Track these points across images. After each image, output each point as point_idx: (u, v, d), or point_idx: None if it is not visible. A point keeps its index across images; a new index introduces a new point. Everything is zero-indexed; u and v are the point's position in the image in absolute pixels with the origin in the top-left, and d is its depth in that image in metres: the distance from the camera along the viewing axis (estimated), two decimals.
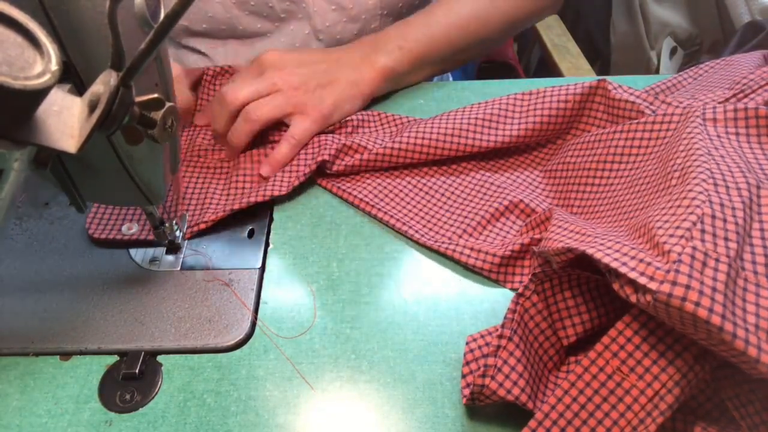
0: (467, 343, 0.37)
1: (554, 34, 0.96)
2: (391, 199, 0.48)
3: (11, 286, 0.43)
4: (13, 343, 0.39)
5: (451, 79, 0.81)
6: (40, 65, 0.21)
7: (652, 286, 0.29)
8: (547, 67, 0.96)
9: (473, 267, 0.43)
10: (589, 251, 0.33)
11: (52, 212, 0.48)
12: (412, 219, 0.47)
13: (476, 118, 0.49)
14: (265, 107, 0.50)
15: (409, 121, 0.54)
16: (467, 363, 0.37)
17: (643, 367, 0.31)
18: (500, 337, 0.34)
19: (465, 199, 0.48)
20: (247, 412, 0.36)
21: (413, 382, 0.38)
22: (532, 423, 0.32)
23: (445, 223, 0.47)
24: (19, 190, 0.24)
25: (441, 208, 0.48)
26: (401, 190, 0.49)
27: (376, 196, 0.48)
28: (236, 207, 0.46)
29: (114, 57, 0.24)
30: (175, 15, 0.21)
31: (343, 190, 0.49)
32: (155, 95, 0.27)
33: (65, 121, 0.24)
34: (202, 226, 0.45)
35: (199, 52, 0.66)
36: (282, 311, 0.42)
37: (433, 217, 0.47)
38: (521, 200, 0.47)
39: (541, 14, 0.66)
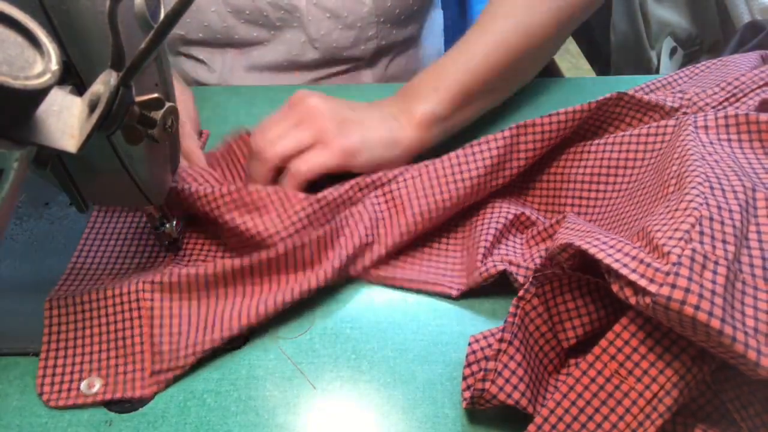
0: (470, 344, 0.37)
1: None
2: (411, 266, 0.44)
3: (11, 286, 0.43)
4: (13, 343, 0.39)
5: None
6: (40, 65, 0.21)
7: (652, 288, 0.29)
8: (547, 67, 0.96)
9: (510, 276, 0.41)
10: (592, 250, 0.32)
11: (52, 212, 0.48)
12: (443, 276, 0.44)
13: (477, 175, 0.44)
14: (285, 139, 0.45)
15: (398, 187, 0.45)
16: (469, 364, 0.37)
17: (641, 369, 0.31)
18: (501, 341, 0.34)
19: (472, 232, 0.46)
20: (247, 412, 0.36)
21: (413, 382, 0.38)
22: (531, 427, 0.32)
23: (465, 263, 0.44)
24: (19, 190, 0.24)
25: (455, 251, 0.46)
26: (411, 256, 0.45)
27: (392, 267, 0.44)
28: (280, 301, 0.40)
29: (114, 57, 0.24)
30: (175, 15, 0.21)
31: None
32: (155, 95, 0.27)
33: (65, 120, 0.24)
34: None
35: (196, 59, 0.66)
36: (282, 311, 0.42)
37: (454, 265, 0.45)
38: (522, 212, 0.45)
39: (590, 5, 0.56)
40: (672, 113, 0.44)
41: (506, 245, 0.44)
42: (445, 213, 0.44)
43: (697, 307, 0.27)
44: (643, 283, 0.29)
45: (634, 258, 0.31)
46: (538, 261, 0.41)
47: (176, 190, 0.42)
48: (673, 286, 0.28)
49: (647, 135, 0.42)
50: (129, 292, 0.39)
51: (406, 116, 0.48)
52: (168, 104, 0.27)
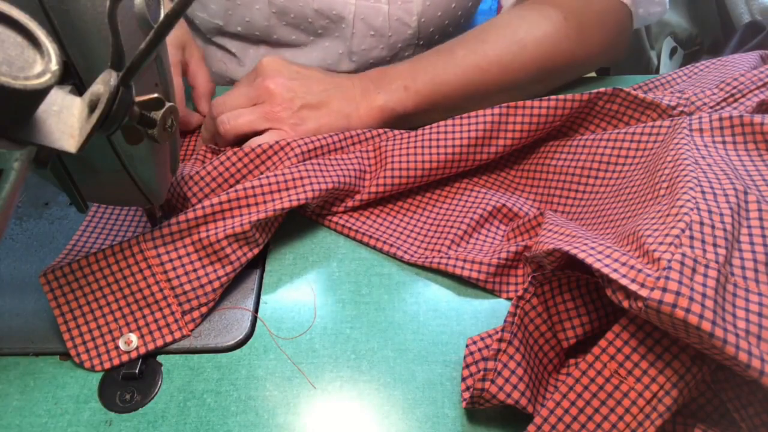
0: (467, 346, 0.37)
1: None
2: (374, 221, 0.47)
3: (11, 286, 0.43)
4: (13, 343, 0.39)
5: None
6: (40, 65, 0.21)
7: (643, 293, 0.29)
8: None
9: (468, 278, 0.42)
10: (581, 255, 0.33)
11: (52, 212, 0.48)
12: (398, 239, 0.46)
13: (461, 145, 0.46)
14: (240, 119, 0.47)
15: (387, 140, 0.48)
16: (467, 366, 0.37)
17: (640, 369, 0.31)
18: (500, 340, 0.34)
19: (447, 209, 0.47)
20: (247, 412, 0.36)
21: (413, 382, 0.38)
22: (530, 428, 0.32)
23: (432, 237, 0.46)
24: (19, 190, 0.23)
25: (425, 223, 0.47)
26: (382, 211, 0.48)
27: (357, 220, 0.47)
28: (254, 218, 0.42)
29: (114, 57, 0.24)
30: (175, 15, 0.21)
31: (329, 221, 0.47)
32: (155, 95, 0.27)
33: (65, 120, 0.24)
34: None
35: (228, 51, 0.65)
36: (282, 311, 0.42)
37: (419, 234, 0.46)
38: (504, 204, 0.46)
39: (587, 64, 0.56)
40: (669, 111, 0.45)
41: (484, 235, 0.45)
42: (425, 177, 0.46)
43: (688, 310, 0.27)
44: (634, 287, 0.29)
45: (624, 264, 0.31)
46: (503, 256, 0.42)
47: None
48: (664, 289, 0.28)
49: (641, 134, 0.43)
50: (130, 246, 0.39)
51: (367, 102, 0.49)
52: (168, 104, 0.27)
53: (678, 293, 0.28)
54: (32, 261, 0.44)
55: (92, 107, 0.24)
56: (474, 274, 0.42)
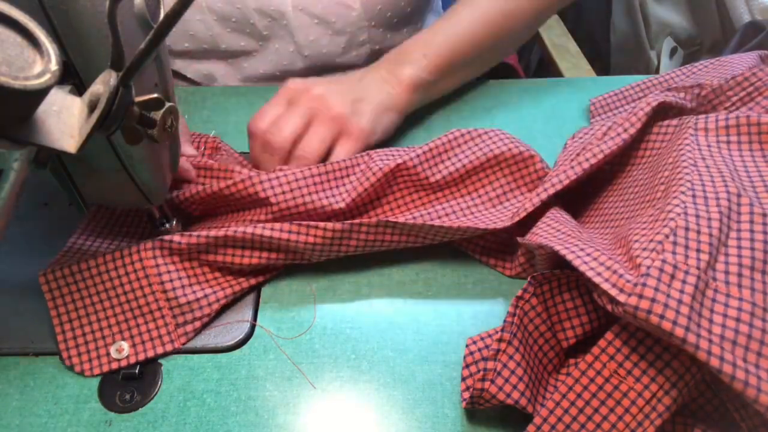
0: (467, 346, 0.38)
1: (554, 34, 0.95)
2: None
3: (11, 286, 0.43)
4: (13, 343, 0.39)
5: None
6: (40, 65, 0.21)
7: (621, 298, 0.30)
8: (547, 67, 0.96)
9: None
10: (569, 257, 0.33)
11: (52, 212, 0.48)
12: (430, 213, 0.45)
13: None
14: (314, 144, 0.46)
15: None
16: (467, 366, 0.37)
17: (639, 369, 0.31)
18: (500, 340, 0.34)
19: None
20: (246, 412, 0.36)
21: (413, 382, 0.38)
22: (530, 428, 0.32)
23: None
24: (19, 190, 0.24)
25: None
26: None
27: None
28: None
29: (114, 57, 0.24)
30: (175, 15, 0.21)
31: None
32: (155, 95, 0.27)
33: (65, 121, 0.24)
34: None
35: (183, 77, 0.64)
36: (282, 311, 0.42)
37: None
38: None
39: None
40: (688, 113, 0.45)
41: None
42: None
43: (661, 317, 0.28)
44: (613, 292, 0.30)
45: (608, 268, 0.32)
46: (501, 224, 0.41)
47: (184, 196, 0.43)
48: (640, 296, 0.29)
49: (649, 133, 0.43)
50: (130, 254, 0.39)
51: (396, 79, 0.51)
52: (168, 104, 0.27)
53: (653, 300, 0.28)
54: (32, 261, 0.44)
55: (92, 107, 0.24)
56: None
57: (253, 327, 0.41)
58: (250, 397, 0.37)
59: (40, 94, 0.21)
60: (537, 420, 0.32)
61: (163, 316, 0.39)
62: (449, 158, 0.46)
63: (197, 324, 0.39)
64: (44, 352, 0.39)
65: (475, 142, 0.46)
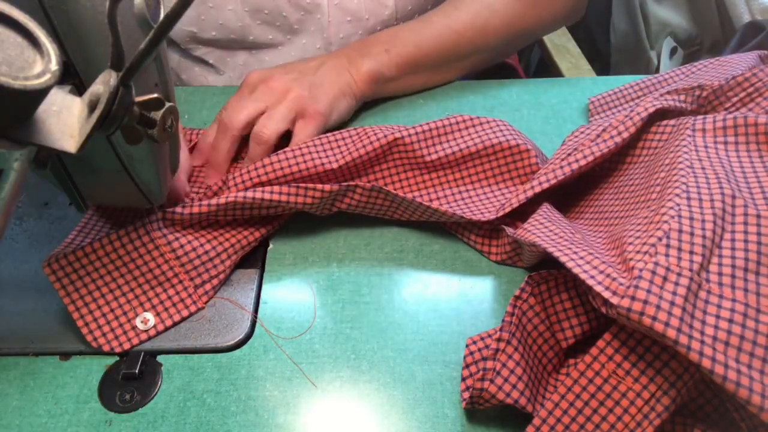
0: (467, 346, 0.38)
1: (554, 34, 0.95)
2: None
3: (11, 286, 0.43)
4: (13, 343, 0.39)
5: None
6: (40, 65, 0.21)
7: (614, 300, 0.30)
8: (547, 67, 0.96)
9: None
10: (563, 258, 0.34)
11: (52, 212, 0.48)
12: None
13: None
14: (271, 124, 0.47)
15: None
16: (467, 366, 0.37)
17: (638, 369, 0.31)
18: (499, 340, 0.34)
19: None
20: (246, 412, 0.36)
21: (413, 382, 0.38)
22: (529, 429, 0.32)
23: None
24: (19, 190, 0.24)
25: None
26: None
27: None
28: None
29: (114, 57, 0.24)
30: (175, 15, 0.21)
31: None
32: (155, 95, 0.27)
33: (65, 121, 0.24)
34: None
35: (205, 62, 0.64)
36: (282, 311, 0.42)
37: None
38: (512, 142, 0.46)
39: (551, 25, 0.63)
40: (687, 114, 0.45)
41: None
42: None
43: (654, 318, 0.28)
44: (606, 295, 0.30)
45: (601, 272, 0.32)
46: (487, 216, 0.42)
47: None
48: (633, 298, 0.29)
49: (647, 132, 0.43)
50: (136, 229, 0.40)
51: (355, 69, 0.53)
52: (168, 104, 0.27)
53: (645, 302, 0.29)
54: (32, 261, 0.44)
55: (92, 107, 0.24)
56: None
57: (253, 327, 0.41)
58: (250, 397, 0.37)
59: (40, 94, 0.21)
60: (536, 421, 0.32)
61: (181, 281, 0.40)
62: (447, 141, 0.47)
63: (215, 282, 0.41)
64: (44, 352, 0.39)
65: (475, 129, 0.47)
